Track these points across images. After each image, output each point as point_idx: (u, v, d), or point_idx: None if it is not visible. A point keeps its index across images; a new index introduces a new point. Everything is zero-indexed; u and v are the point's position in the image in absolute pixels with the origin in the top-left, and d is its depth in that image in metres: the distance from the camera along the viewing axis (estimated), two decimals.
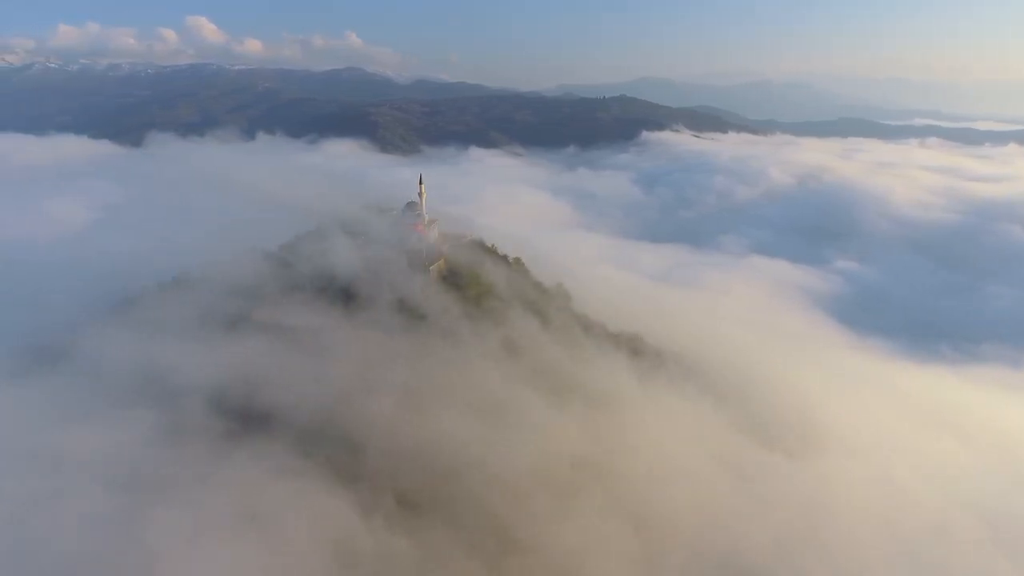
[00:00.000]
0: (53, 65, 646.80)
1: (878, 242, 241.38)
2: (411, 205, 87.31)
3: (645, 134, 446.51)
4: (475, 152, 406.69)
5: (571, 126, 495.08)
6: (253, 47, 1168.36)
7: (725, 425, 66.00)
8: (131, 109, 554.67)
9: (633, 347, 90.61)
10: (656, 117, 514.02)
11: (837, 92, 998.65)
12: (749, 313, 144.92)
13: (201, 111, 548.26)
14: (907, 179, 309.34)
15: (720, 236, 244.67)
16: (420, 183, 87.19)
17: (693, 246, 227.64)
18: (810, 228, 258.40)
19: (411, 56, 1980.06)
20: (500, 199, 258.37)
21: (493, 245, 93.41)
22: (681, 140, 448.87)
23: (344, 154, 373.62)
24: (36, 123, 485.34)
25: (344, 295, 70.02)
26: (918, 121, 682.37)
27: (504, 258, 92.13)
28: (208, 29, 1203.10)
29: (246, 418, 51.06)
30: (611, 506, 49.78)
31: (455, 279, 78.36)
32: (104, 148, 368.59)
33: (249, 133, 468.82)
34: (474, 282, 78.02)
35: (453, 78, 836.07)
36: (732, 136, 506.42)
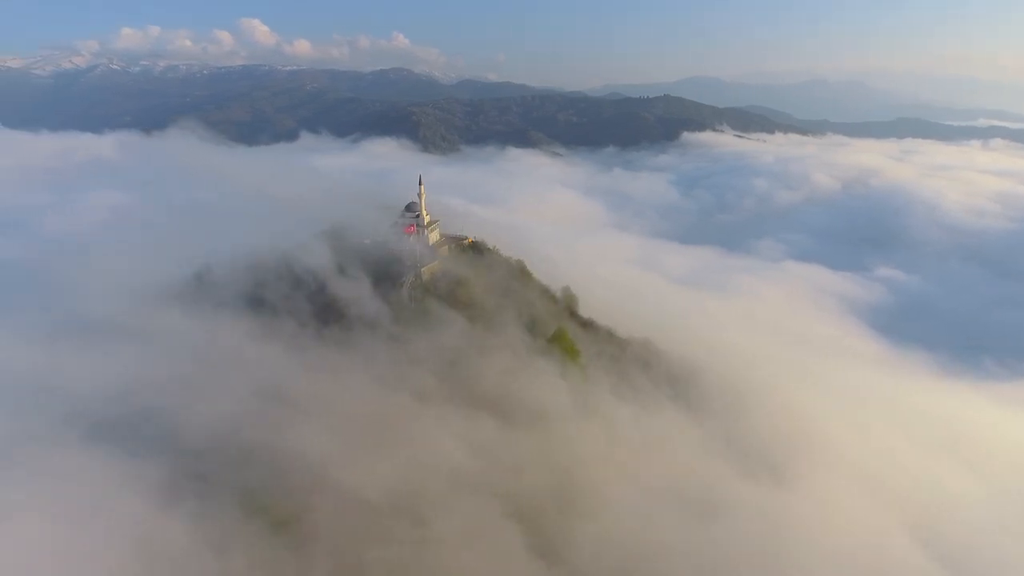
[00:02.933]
0: (116, 67, 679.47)
1: (926, 250, 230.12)
2: (411, 206, 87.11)
3: (686, 135, 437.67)
4: (512, 152, 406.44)
5: (613, 126, 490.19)
6: (302, 48, 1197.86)
7: (695, 446, 61.69)
8: (187, 109, 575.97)
9: (638, 355, 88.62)
10: (700, 117, 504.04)
11: (896, 91, 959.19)
12: (773, 320, 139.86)
13: (252, 111, 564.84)
14: (963, 183, 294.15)
15: (756, 241, 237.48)
16: (420, 184, 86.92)
17: (726, 250, 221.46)
18: (853, 234, 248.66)
19: (458, 56, 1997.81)
20: (531, 199, 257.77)
21: (495, 247, 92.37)
22: (724, 141, 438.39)
23: (383, 154, 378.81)
24: (100, 122, 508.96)
25: (255, 302, 70.13)
26: (983, 122, 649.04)
27: (507, 261, 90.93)
28: (260, 31, 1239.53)
29: (99, 425, 50.26)
30: (498, 533, 46.49)
31: (443, 283, 77.86)
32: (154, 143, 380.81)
33: (293, 133, 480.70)
34: (449, 286, 77.12)
35: (499, 78, 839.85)
36: (779, 137, 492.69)
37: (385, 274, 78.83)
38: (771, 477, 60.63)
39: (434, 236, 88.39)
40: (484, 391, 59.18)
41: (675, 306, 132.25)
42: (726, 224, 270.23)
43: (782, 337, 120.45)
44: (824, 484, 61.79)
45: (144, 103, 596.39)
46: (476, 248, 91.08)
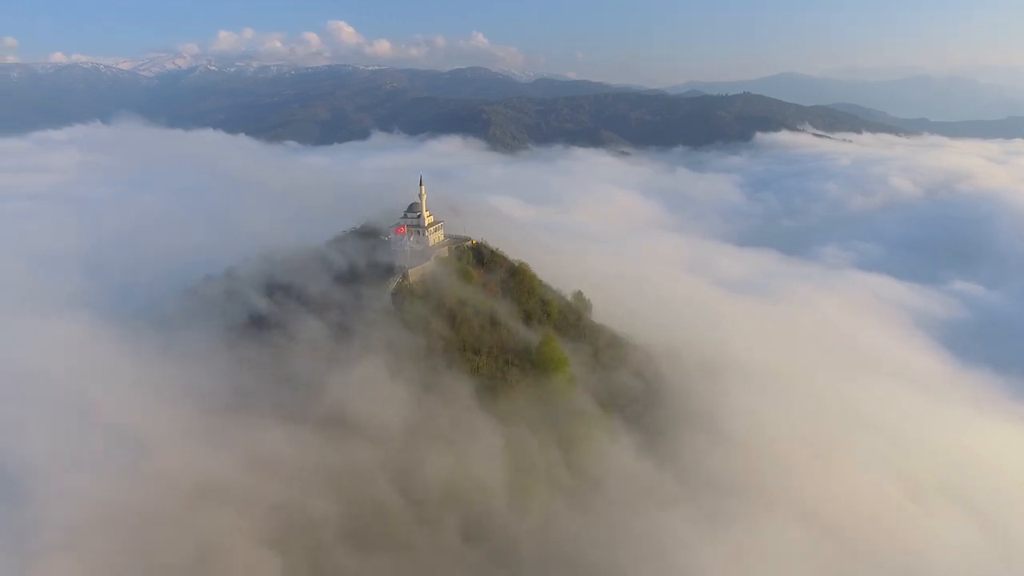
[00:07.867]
0: (213, 68, 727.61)
1: (1013, 264, 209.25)
2: (413, 207, 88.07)
3: (760, 135, 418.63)
4: (577, 151, 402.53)
5: (686, 125, 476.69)
6: (382, 48, 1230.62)
7: (627, 483, 54.47)
8: (275, 108, 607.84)
9: (636, 367, 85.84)
10: (782, 116, 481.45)
11: (1010, 87, 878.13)
12: (814, 331, 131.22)
13: (333, 110, 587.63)
14: None
15: (820, 247, 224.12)
16: (420, 184, 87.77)
17: (785, 255, 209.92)
18: (931, 244, 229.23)
19: (536, 55, 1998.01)
20: (585, 199, 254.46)
21: (497, 249, 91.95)
22: (802, 141, 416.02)
23: (448, 152, 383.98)
24: (197, 120, 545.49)
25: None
26: None
27: (508, 263, 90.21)
28: (346, 32, 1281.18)
29: None
30: (246, 555, 43.62)
31: (431, 285, 78.36)
32: (241, 142, 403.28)
33: (367, 132, 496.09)
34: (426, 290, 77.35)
35: (579, 76, 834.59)
36: (867, 137, 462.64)
37: (377, 276, 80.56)
38: (708, 535, 52.61)
39: (436, 237, 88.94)
40: (342, 406, 55.50)
41: (707, 313, 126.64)
42: (790, 229, 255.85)
43: (816, 350, 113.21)
44: (775, 546, 53.11)
45: (238, 102, 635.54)
46: (479, 250, 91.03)
